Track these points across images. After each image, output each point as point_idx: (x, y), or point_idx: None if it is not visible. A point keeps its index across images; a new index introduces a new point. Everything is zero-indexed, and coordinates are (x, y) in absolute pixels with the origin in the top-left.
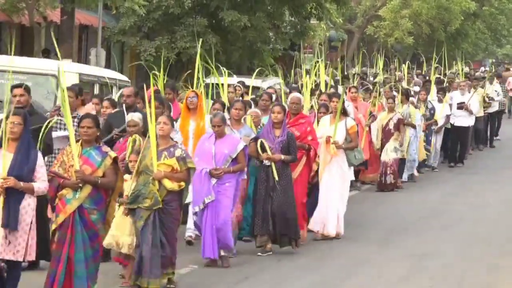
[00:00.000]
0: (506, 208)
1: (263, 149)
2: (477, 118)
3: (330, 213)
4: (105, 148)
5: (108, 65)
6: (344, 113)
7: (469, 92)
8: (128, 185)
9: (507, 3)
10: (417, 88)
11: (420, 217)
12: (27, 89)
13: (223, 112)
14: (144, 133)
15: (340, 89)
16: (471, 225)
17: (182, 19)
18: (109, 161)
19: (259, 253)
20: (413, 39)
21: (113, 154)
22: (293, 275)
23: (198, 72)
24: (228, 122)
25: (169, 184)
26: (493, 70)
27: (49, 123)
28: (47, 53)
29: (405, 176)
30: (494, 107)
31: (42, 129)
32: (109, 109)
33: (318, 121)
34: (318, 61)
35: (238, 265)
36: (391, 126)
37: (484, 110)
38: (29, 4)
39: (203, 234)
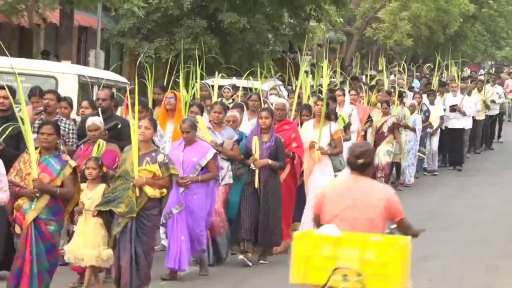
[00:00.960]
0: (505, 209)
1: (248, 155)
2: (477, 121)
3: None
4: (65, 157)
5: (107, 67)
6: (328, 117)
7: (462, 94)
8: (85, 194)
9: (506, 5)
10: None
11: (419, 219)
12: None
13: (201, 115)
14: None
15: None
16: (470, 226)
17: (181, 21)
18: (68, 170)
19: (240, 257)
20: (412, 41)
21: (73, 163)
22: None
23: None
24: (210, 125)
25: (150, 191)
26: (492, 72)
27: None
28: (46, 55)
29: (406, 180)
30: (495, 110)
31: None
32: (88, 110)
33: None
34: (317, 63)
35: (237, 266)
36: (385, 129)
37: (484, 113)
38: (28, 6)
39: (168, 243)
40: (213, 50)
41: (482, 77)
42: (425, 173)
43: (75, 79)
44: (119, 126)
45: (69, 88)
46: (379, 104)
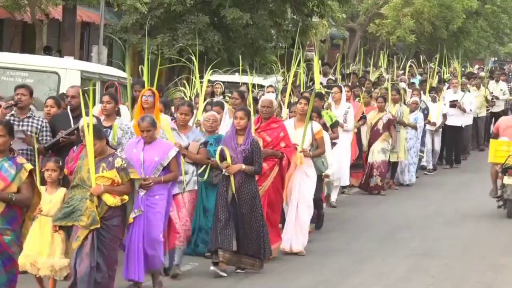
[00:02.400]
0: None
1: (223, 158)
2: (479, 118)
3: (295, 227)
4: (20, 159)
5: (110, 63)
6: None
7: (463, 91)
8: (43, 198)
9: (509, 1)
10: (403, 85)
11: (421, 216)
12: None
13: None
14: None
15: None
16: (472, 224)
17: (184, 17)
18: (24, 174)
19: (212, 268)
20: (415, 38)
21: (29, 166)
22: (294, 274)
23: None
24: (175, 126)
25: (110, 200)
26: (494, 68)
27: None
28: (48, 50)
29: (406, 179)
30: (500, 106)
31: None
32: (54, 109)
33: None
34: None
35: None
36: (380, 126)
37: (487, 109)
38: (31, 1)
39: (126, 253)
40: (216, 46)
41: (482, 73)
42: (425, 172)
43: (78, 75)
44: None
45: (71, 84)
46: (373, 103)
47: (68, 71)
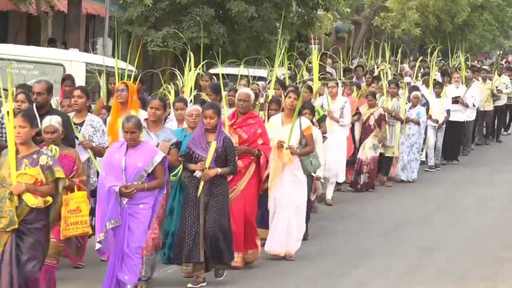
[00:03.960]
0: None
1: (191, 158)
2: (486, 112)
3: (281, 230)
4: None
5: (114, 55)
6: (299, 111)
7: (466, 86)
8: None
9: None
10: (408, 79)
11: (425, 210)
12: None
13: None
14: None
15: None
16: (476, 218)
17: (189, 9)
18: None
19: (189, 285)
20: (420, 31)
21: None
22: (297, 268)
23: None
24: (144, 124)
25: (31, 200)
26: (499, 62)
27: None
28: (53, 43)
29: (404, 176)
30: (502, 100)
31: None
32: (25, 104)
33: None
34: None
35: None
36: (371, 122)
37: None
38: None
39: (108, 267)
40: (221, 39)
41: (486, 67)
42: (426, 169)
43: (83, 67)
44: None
45: (76, 76)
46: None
47: (73, 63)
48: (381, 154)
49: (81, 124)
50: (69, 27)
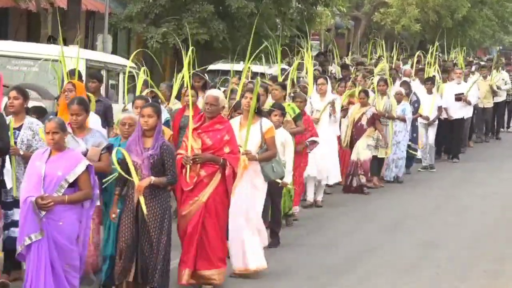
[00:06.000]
0: None
1: (125, 166)
2: (486, 109)
3: (235, 244)
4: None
5: (115, 52)
6: (258, 112)
7: (466, 82)
8: None
9: None
10: (406, 79)
11: (426, 207)
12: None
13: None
14: None
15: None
16: (477, 215)
17: (189, 6)
18: None
19: None
20: (420, 27)
21: None
22: (299, 263)
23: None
24: (69, 129)
25: None
26: (498, 58)
27: None
28: (52, 40)
29: (390, 176)
30: (501, 97)
31: None
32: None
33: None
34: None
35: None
36: (364, 121)
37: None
38: None
39: (26, 281)
40: (221, 35)
41: (483, 62)
42: (420, 169)
43: (83, 63)
44: None
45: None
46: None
47: (73, 60)
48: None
49: (19, 128)
50: (68, 23)
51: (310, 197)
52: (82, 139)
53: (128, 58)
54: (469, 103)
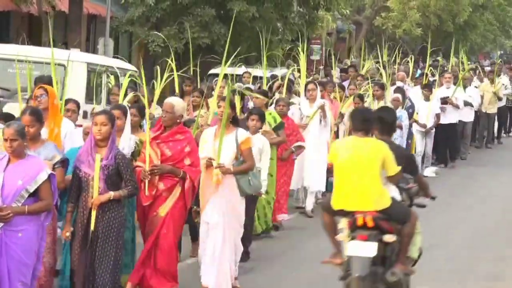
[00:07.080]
0: None
1: (79, 180)
2: (489, 115)
3: (213, 265)
4: None
5: (116, 55)
6: (234, 122)
7: (465, 87)
8: None
9: None
10: (400, 84)
11: (427, 209)
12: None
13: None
14: None
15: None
16: (478, 216)
17: (190, 10)
18: None
19: None
20: (422, 31)
21: None
22: (299, 267)
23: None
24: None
25: None
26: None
27: None
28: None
29: None
30: (502, 102)
31: None
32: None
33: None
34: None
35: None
36: None
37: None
38: None
39: None
40: (222, 39)
41: (488, 68)
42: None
43: (84, 67)
44: None
45: (78, 76)
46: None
47: (74, 63)
48: None
49: None
50: (70, 27)
51: (308, 209)
52: (34, 151)
53: (129, 62)
54: (457, 107)
